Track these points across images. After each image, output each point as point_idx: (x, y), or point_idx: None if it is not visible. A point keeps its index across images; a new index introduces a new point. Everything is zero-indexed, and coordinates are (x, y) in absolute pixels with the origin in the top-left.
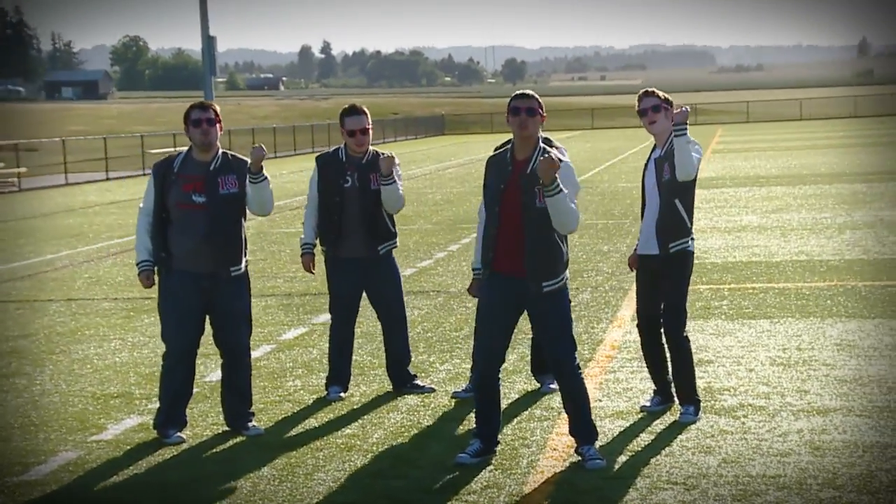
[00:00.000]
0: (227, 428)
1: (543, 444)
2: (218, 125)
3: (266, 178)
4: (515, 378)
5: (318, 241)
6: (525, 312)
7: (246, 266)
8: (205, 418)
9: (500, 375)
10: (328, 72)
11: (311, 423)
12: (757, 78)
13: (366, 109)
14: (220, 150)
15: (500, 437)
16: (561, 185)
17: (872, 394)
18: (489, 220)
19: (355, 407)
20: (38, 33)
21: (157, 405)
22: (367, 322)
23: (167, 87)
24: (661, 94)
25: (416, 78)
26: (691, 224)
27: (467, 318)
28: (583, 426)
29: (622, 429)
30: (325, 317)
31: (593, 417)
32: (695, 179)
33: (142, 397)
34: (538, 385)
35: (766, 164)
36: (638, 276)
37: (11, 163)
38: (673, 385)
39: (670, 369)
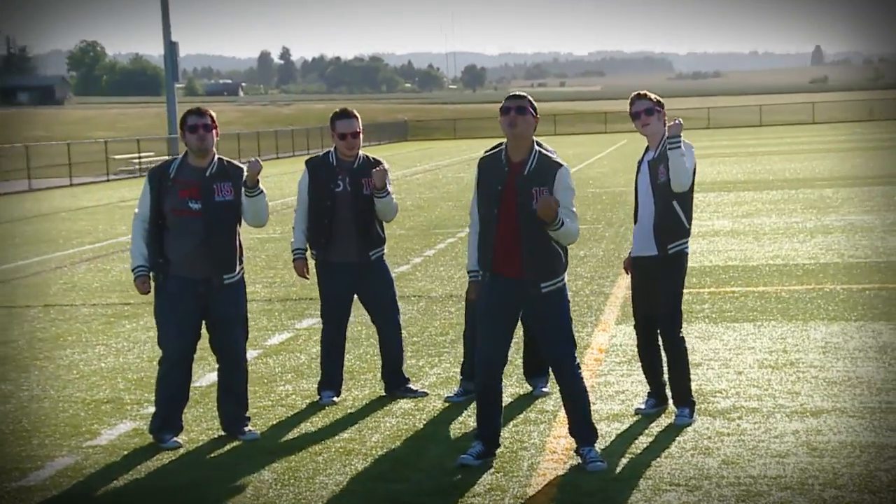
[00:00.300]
0: (222, 432)
1: (542, 446)
2: (214, 131)
3: (262, 191)
4: (507, 381)
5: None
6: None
7: (241, 272)
8: (199, 423)
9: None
10: (287, 78)
11: (307, 427)
12: (715, 84)
13: (356, 113)
14: (216, 157)
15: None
16: (562, 217)
17: (863, 395)
18: (487, 222)
19: (349, 411)
20: None
21: (150, 410)
22: (352, 327)
23: (125, 92)
24: (653, 96)
25: (376, 84)
26: (690, 225)
27: (452, 323)
28: (583, 427)
29: (619, 431)
30: (309, 321)
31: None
32: (692, 183)
33: (133, 402)
34: (530, 388)
35: (732, 169)
36: (633, 279)
37: None
38: (668, 387)
39: (665, 371)
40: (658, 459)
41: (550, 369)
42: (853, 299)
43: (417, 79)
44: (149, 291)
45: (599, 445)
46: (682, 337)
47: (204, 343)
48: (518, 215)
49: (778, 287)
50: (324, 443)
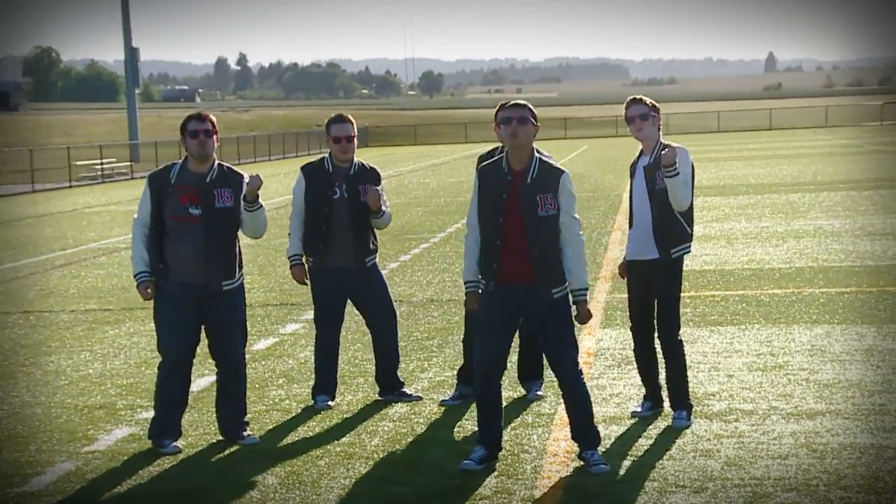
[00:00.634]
0: (220, 437)
1: (543, 449)
2: (214, 136)
3: (261, 205)
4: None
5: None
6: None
7: (241, 278)
8: (196, 428)
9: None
10: (244, 84)
11: (304, 431)
12: (670, 91)
13: (352, 118)
14: (216, 162)
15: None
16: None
17: (855, 397)
18: (490, 232)
19: (345, 415)
20: None
21: (144, 415)
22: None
23: (81, 98)
24: (648, 101)
25: (334, 90)
26: (692, 230)
27: (437, 327)
28: (585, 431)
29: (617, 434)
30: (293, 326)
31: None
32: (692, 188)
33: (125, 408)
34: (524, 392)
35: (697, 174)
36: (630, 282)
37: None
38: (664, 389)
39: (662, 374)
40: (661, 461)
41: (552, 372)
42: (833, 303)
43: (374, 85)
44: (151, 297)
45: (601, 447)
46: (681, 340)
47: (198, 348)
48: (524, 222)
49: (756, 291)
50: (324, 447)
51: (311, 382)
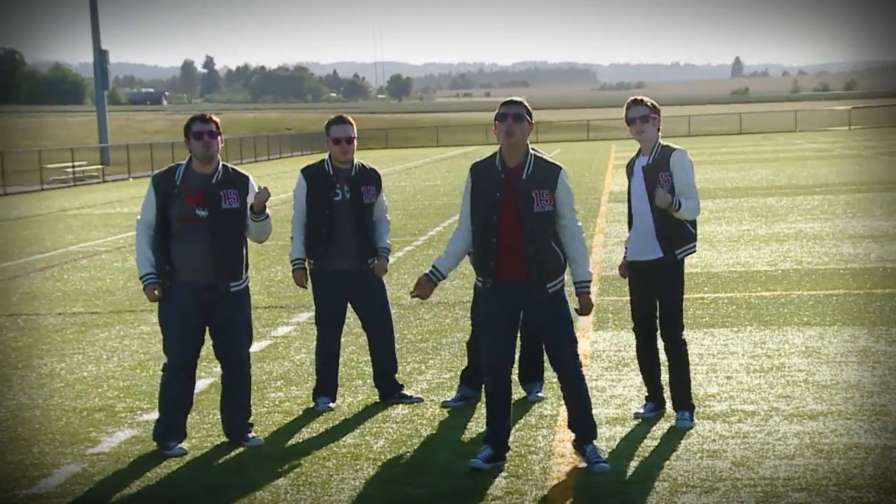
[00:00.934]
0: (224, 439)
1: (550, 450)
2: (219, 137)
3: (268, 215)
4: None
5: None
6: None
7: (247, 280)
8: (198, 430)
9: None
10: (211, 87)
11: (308, 433)
12: (638, 95)
13: (352, 120)
14: (221, 163)
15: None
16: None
17: (854, 398)
18: (484, 230)
19: (347, 417)
20: None
21: (145, 418)
22: None
23: (45, 101)
24: (648, 101)
25: (302, 93)
26: (696, 230)
27: (430, 330)
28: (584, 421)
29: (622, 435)
30: (285, 329)
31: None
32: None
33: (125, 410)
34: (524, 394)
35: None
36: (632, 283)
37: None
38: (666, 390)
39: (664, 374)
40: (668, 462)
41: (552, 367)
42: (822, 305)
43: (343, 88)
44: (158, 299)
45: (607, 448)
46: (685, 340)
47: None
48: (520, 219)
49: (745, 293)
50: (329, 448)
51: (310, 384)
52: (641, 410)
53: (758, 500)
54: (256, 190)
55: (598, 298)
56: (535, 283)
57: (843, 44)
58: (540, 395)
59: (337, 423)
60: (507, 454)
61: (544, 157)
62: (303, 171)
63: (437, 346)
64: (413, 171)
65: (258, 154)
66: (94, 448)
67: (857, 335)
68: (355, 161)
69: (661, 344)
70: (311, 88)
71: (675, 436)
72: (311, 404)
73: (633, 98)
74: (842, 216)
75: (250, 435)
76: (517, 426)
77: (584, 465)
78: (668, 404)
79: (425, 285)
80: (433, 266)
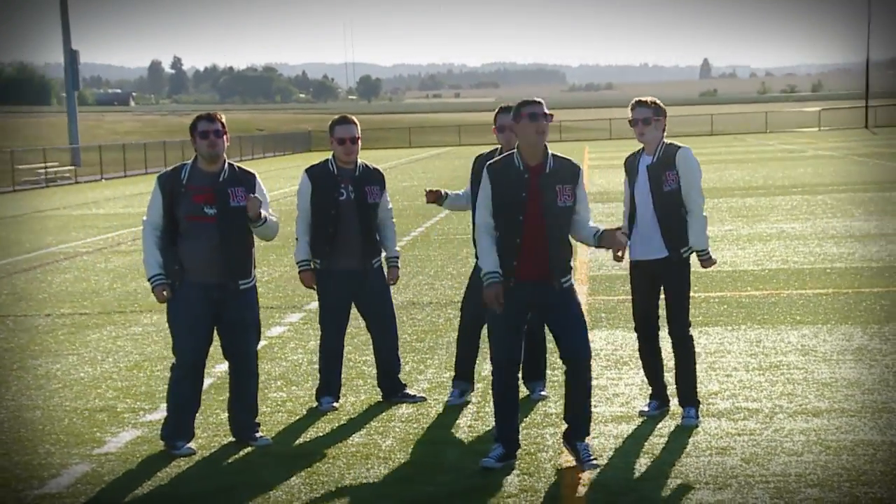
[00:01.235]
0: (231, 438)
1: (559, 447)
2: (225, 136)
3: (265, 220)
4: None
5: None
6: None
7: (255, 279)
8: (203, 430)
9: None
10: (179, 87)
11: (314, 432)
12: (608, 96)
13: (356, 120)
14: (227, 162)
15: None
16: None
17: (855, 395)
18: (508, 230)
19: (352, 416)
20: None
21: (148, 418)
22: None
23: (11, 101)
24: (651, 102)
25: (270, 94)
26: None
27: (425, 329)
28: (584, 412)
29: (628, 432)
30: (278, 329)
31: (593, 422)
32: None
33: (127, 411)
34: (527, 392)
35: None
36: (634, 282)
37: None
38: (671, 387)
39: (675, 371)
40: (679, 459)
41: (563, 361)
42: (813, 304)
43: (312, 89)
44: (167, 300)
45: (613, 445)
46: (692, 335)
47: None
48: (544, 214)
49: (735, 293)
50: (337, 447)
51: (310, 384)
52: (646, 408)
53: (771, 496)
54: (264, 190)
55: (589, 298)
56: (553, 278)
57: (809, 46)
58: (543, 393)
59: (343, 422)
60: (517, 451)
61: (560, 154)
62: (307, 171)
63: (434, 346)
64: (388, 171)
65: (230, 155)
66: (101, 448)
67: (850, 334)
68: (359, 161)
69: (663, 342)
70: (280, 89)
71: (682, 433)
72: (314, 404)
73: (637, 99)
74: (822, 216)
75: (258, 435)
76: (524, 424)
77: (597, 462)
78: (672, 402)
79: (500, 291)
80: (494, 271)
